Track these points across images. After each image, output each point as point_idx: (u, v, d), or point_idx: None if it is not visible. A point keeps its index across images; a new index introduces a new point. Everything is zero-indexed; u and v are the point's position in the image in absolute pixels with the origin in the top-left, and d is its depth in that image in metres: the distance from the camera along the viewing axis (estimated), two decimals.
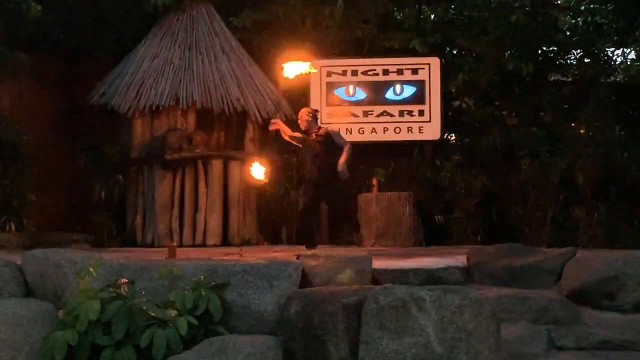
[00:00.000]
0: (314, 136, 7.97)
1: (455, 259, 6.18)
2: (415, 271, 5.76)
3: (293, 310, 4.54)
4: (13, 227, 8.80)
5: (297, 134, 8.18)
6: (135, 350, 4.53)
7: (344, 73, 10.77)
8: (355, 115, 10.68)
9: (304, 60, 8.45)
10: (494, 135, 11.32)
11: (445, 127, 11.06)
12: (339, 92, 10.74)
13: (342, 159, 7.86)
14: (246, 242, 10.15)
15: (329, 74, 10.75)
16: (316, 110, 8.44)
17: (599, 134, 11.31)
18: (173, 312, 4.68)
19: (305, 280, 5.23)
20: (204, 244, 9.88)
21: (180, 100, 10.04)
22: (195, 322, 4.63)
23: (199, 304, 4.71)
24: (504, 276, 5.71)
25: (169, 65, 10.33)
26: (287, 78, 8.41)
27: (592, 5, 13.00)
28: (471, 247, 7.02)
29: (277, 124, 8.23)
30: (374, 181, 10.67)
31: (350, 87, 10.72)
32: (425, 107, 10.64)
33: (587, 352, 4.62)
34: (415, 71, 10.72)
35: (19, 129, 9.37)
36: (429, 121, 10.63)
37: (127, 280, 5.01)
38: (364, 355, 4.14)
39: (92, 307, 4.56)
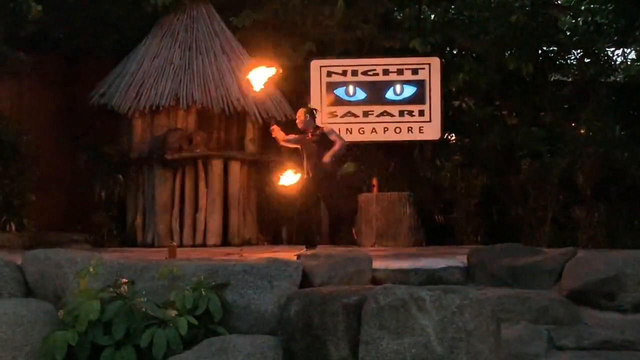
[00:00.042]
0: (310, 136, 7.97)
1: (455, 259, 6.19)
2: (416, 271, 5.77)
3: (293, 310, 4.54)
4: (13, 227, 8.81)
5: (292, 136, 8.17)
6: (136, 350, 4.53)
7: (344, 73, 10.75)
8: (356, 115, 10.67)
9: (268, 65, 8.32)
10: (494, 135, 11.32)
11: (446, 127, 11.04)
12: (339, 92, 10.72)
13: (330, 151, 7.81)
14: (246, 242, 10.16)
15: (329, 74, 10.74)
16: (314, 109, 8.43)
17: (599, 134, 11.31)
18: (173, 312, 4.68)
19: (306, 280, 5.24)
20: (204, 244, 9.88)
21: (181, 100, 10.05)
22: (195, 322, 4.63)
23: (199, 304, 4.72)
24: (504, 276, 5.71)
25: (169, 65, 10.33)
26: (254, 88, 8.38)
27: (592, 5, 13.00)
28: (471, 247, 7.02)
29: (275, 131, 8.23)
30: (374, 181, 10.67)
31: (351, 87, 10.71)
32: (425, 107, 10.63)
33: (588, 352, 4.61)
34: (415, 71, 10.71)
35: (19, 129, 9.38)
36: (429, 121, 10.62)
37: (127, 280, 5.01)
38: (364, 355, 4.14)
39: (93, 307, 4.57)
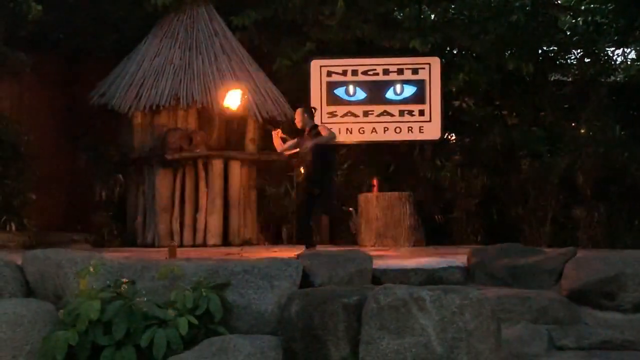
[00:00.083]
0: (306, 134, 7.99)
1: (455, 258, 6.19)
2: (416, 271, 5.77)
3: (293, 310, 4.54)
4: (14, 227, 8.81)
5: (289, 142, 8.19)
6: (136, 350, 4.53)
7: (344, 73, 10.76)
8: (356, 115, 10.67)
9: (235, 88, 8.71)
10: (494, 135, 11.32)
11: (446, 126, 11.05)
12: (340, 92, 10.73)
13: (315, 139, 7.82)
14: (246, 242, 10.16)
15: (329, 74, 10.74)
16: (313, 108, 8.43)
17: (599, 134, 11.30)
18: (173, 312, 4.68)
19: (306, 280, 5.24)
20: (204, 244, 9.88)
21: (181, 100, 10.05)
22: (195, 322, 4.63)
23: (199, 304, 4.72)
24: (505, 276, 5.71)
25: (169, 65, 10.33)
26: (229, 108, 8.72)
27: (592, 5, 12.99)
28: (471, 247, 7.02)
29: (275, 137, 8.26)
30: (374, 181, 10.68)
31: (351, 87, 10.71)
32: (425, 107, 10.63)
33: (588, 352, 4.62)
34: (415, 71, 10.71)
35: (20, 129, 9.38)
36: (430, 121, 10.63)
37: (127, 280, 5.01)
38: (365, 355, 4.14)
39: (93, 307, 4.57)
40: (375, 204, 9.92)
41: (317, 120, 8.64)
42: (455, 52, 12.38)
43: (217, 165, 10.12)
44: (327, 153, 7.97)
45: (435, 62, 10.73)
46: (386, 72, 10.74)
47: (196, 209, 10.07)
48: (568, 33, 12.79)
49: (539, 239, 10.32)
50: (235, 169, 10.27)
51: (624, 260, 5.31)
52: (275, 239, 10.86)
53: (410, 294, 4.15)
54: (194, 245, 9.77)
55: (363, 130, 10.66)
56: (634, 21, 12.17)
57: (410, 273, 5.74)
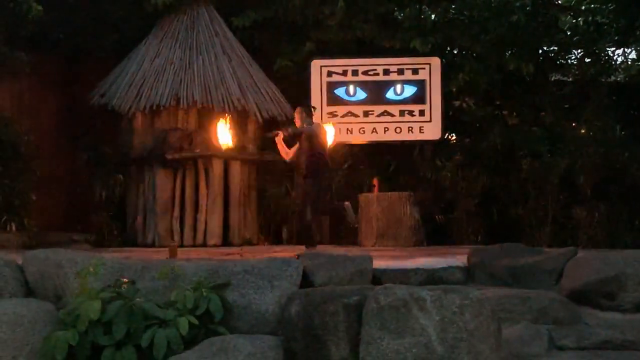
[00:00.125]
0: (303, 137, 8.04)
1: (455, 258, 6.19)
2: (416, 271, 5.77)
3: (294, 310, 4.54)
4: (14, 227, 8.81)
5: (293, 149, 8.27)
6: (136, 350, 4.53)
7: (345, 73, 10.76)
8: (356, 115, 10.68)
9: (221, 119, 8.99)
10: (495, 135, 11.31)
11: (446, 127, 11.05)
12: (340, 92, 10.73)
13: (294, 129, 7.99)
14: (247, 242, 10.16)
15: (329, 74, 10.75)
16: (310, 107, 8.44)
17: (600, 134, 11.30)
18: (174, 312, 4.68)
19: (306, 280, 5.23)
20: (204, 244, 9.88)
21: (181, 100, 10.05)
22: (196, 322, 4.63)
23: (199, 304, 4.71)
24: (505, 276, 5.71)
25: (170, 65, 10.34)
26: (227, 145, 8.93)
27: (592, 5, 12.98)
28: (472, 247, 7.02)
29: (278, 143, 8.30)
30: (375, 181, 10.68)
31: (351, 87, 10.72)
32: (425, 107, 10.64)
33: (588, 352, 4.61)
34: (415, 71, 10.72)
35: (20, 129, 9.38)
36: (430, 121, 10.63)
37: (127, 280, 5.01)
38: (365, 355, 4.14)
39: (93, 307, 4.56)
40: (375, 204, 9.92)
41: (317, 120, 8.66)
42: (455, 52, 12.38)
43: (218, 165, 10.13)
44: (319, 152, 8.03)
45: (436, 62, 10.74)
46: (386, 72, 10.75)
47: (196, 209, 10.07)
48: (568, 33, 12.78)
49: (539, 239, 10.32)
50: (236, 169, 10.27)
51: (624, 260, 5.31)
52: (276, 239, 10.86)
53: (411, 294, 4.14)
54: (194, 245, 9.77)
55: (363, 130, 10.66)
56: (634, 21, 12.16)
57: (410, 273, 5.73)
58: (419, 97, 10.66)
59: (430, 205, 11.07)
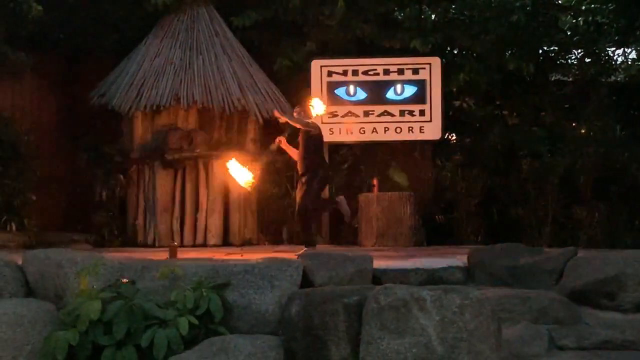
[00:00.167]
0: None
1: (456, 258, 6.19)
2: (416, 271, 5.77)
3: (294, 310, 4.54)
4: (14, 227, 8.81)
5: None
6: (136, 350, 4.53)
7: (345, 73, 10.77)
8: (356, 115, 10.68)
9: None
10: (495, 135, 11.32)
11: (446, 126, 11.05)
12: (340, 92, 10.73)
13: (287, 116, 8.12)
14: (247, 242, 10.16)
15: (329, 74, 10.75)
16: (310, 106, 8.45)
17: (600, 134, 11.31)
18: (174, 312, 4.68)
19: (306, 280, 5.24)
20: (204, 244, 9.88)
21: (181, 100, 10.05)
22: (196, 322, 4.63)
23: (200, 304, 4.72)
24: (505, 276, 5.71)
25: (170, 65, 10.33)
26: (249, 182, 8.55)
27: (592, 5, 12.98)
28: (472, 247, 7.02)
29: (287, 149, 8.34)
30: (375, 181, 10.68)
31: (351, 87, 10.72)
32: (426, 107, 10.64)
33: (588, 352, 4.62)
34: (416, 71, 10.72)
35: (20, 129, 9.38)
36: (430, 121, 10.63)
37: (128, 280, 5.01)
38: (365, 355, 4.14)
39: (93, 307, 4.57)
40: (375, 204, 9.92)
41: (317, 120, 8.66)
42: (455, 52, 12.38)
43: (218, 165, 10.12)
44: (318, 149, 8.10)
45: (436, 62, 10.74)
46: (387, 72, 10.75)
47: (196, 209, 10.07)
48: (568, 33, 12.79)
49: (539, 238, 10.32)
50: None
51: (624, 260, 5.31)
52: (276, 239, 10.86)
53: (411, 294, 4.15)
54: (194, 246, 9.77)
55: (363, 130, 10.67)
56: (634, 21, 12.16)
57: (410, 273, 5.74)
58: (419, 97, 10.66)
59: (430, 205, 11.07)
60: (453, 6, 12.46)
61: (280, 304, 4.82)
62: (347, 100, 10.71)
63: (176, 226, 10.00)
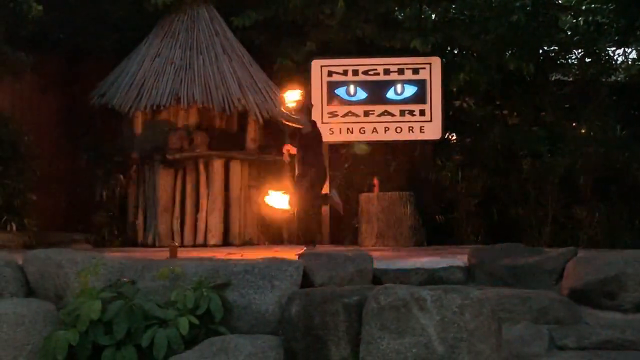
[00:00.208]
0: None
1: (456, 258, 6.19)
2: (416, 271, 5.77)
3: (294, 310, 4.54)
4: (14, 227, 8.80)
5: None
6: (137, 350, 4.54)
7: (345, 73, 10.77)
8: (356, 115, 10.68)
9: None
10: (495, 135, 11.31)
11: (446, 126, 11.06)
12: (340, 92, 10.74)
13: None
14: (247, 242, 10.16)
15: (330, 74, 10.76)
16: (309, 105, 8.51)
17: (600, 134, 11.30)
18: (174, 312, 4.68)
19: (306, 280, 5.24)
20: (205, 244, 9.88)
21: (181, 99, 10.04)
22: (196, 321, 4.64)
23: (200, 304, 4.72)
24: (505, 276, 5.71)
25: (170, 65, 10.33)
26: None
27: (593, 5, 12.98)
28: (472, 247, 7.01)
29: (292, 151, 8.42)
30: (375, 181, 10.67)
31: (351, 87, 10.73)
32: (426, 107, 10.64)
33: (589, 352, 4.62)
34: (416, 71, 10.72)
35: (20, 129, 9.37)
36: (430, 121, 10.64)
37: (128, 280, 5.02)
38: (365, 355, 4.14)
39: (94, 306, 4.57)
40: (376, 204, 9.92)
41: (317, 120, 8.69)
42: (455, 52, 12.38)
43: (218, 165, 10.12)
44: (316, 148, 8.22)
45: (436, 62, 10.74)
46: (387, 72, 10.76)
47: (197, 208, 10.07)
48: (569, 33, 12.78)
49: (539, 238, 10.32)
50: (236, 168, 10.27)
51: (624, 260, 5.32)
52: (276, 239, 10.85)
53: (411, 294, 4.15)
54: (194, 245, 9.77)
55: (364, 130, 10.67)
56: (634, 21, 12.16)
57: (410, 273, 5.74)
58: (419, 97, 10.66)
59: (430, 205, 11.07)
60: (453, 6, 12.46)
61: (281, 304, 4.83)
62: (348, 100, 10.71)
63: (176, 226, 10.00)
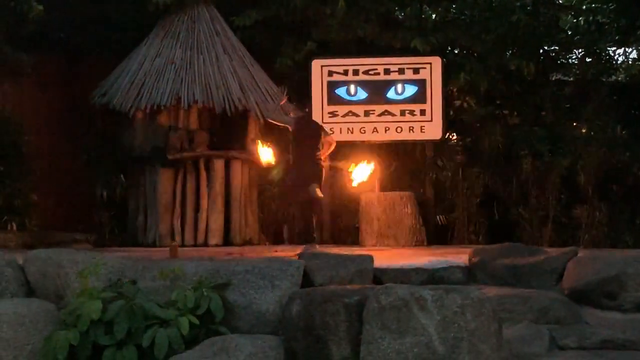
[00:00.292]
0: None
1: (456, 258, 6.19)
2: (417, 271, 5.77)
3: (294, 309, 4.54)
4: (15, 227, 8.80)
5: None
6: (137, 350, 4.54)
7: (346, 72, 10.76)
8: (357, 115, 10.67)
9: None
10: (496, 135, 11.31)
11: (447, 126, 11.05)
12: (341, 92, 10.72)
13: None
14: (248, 242, 10.15)
15: (330, 74, 10.74)
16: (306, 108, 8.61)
17: (601, 134, 11.31)
18: (175, 312, 4.68)
19: (307, 279, 5.24)
20: (205, 244, 9.88)
21: (182, 99, 10.04)
22: (196, 321, 4.64)
23: (200, 304, 4.72)
24: (506, 276, 5.71)
25: (171, 65, 10.32)
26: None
27: (593, 5, 12.98)
28: (473, 247, 7.02)
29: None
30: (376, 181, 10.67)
31: (352, 87, 10.71)
32: (426, 107, 10.62)
33: (589, 352, 4.62)
34: (416, 70, 10.70)
35: (20, 129, 9.38)
36: (431, 120, 10.62)
37: (128, 280, 5.02)
38: (366, 355, 4.14)
39: (94, 306, 4.57)
40: (376, 204, 9.91)
41: (317, 120, 8.72)
42: (456, 51, 12.39)
43: (219, 165, 10.12)
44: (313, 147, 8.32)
45: (437, 62, 10.72)
46: (387, 71, 10.74)
47: (197, 208, 10.06)
48: (569, 33, 12.79)
49: (540, 238, 10.32)
50: (237, 168, 10.26)
51: (625, 260, 5.31)
52: (277, 239, 10.86)
53: (412, 294, 4.14)
54: (195, 245, 9.76)
55: (364, 130, 10.66)
56: (635, 21, 12.16)
57: (411, 273, 5.74)
58: (419, 97, 10.64)
59: (431, 205, 11.07)
60: (454, 6, 12.47)
61: (281, 304, 4.83)
62: (348, 100, 10.70)
63: (177, 226, 9.99)
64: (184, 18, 10.71)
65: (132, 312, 4.60)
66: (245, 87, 10.31)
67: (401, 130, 10.62)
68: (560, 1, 13.00)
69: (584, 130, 11.71)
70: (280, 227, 10.99)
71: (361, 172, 9.40)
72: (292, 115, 9.12)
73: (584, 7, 12.99)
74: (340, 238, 10.60)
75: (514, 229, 10.53)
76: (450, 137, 12.28)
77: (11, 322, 4.62)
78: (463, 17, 12.45)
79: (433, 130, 10.65)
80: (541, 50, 12.24)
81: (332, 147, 8.92)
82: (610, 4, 12.58)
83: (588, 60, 12.52)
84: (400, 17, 12.48)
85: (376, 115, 10.63)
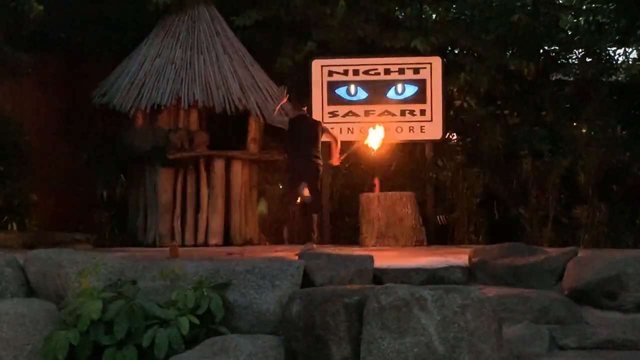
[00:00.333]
0: None
1: (457, 258, 6.19)
2: (417, 271, 5.77)
3: (295, 309, 4.54)
4: (15, 227, 8.81)
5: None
6: (137, 350, 4.54)
7: (346, 72, 10.76)
8: (357, 115, 10.67)
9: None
10: (496, 135, 11.31)
11: (447, 126, 11.05)
12: (341, 92, 10.73)
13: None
14: (248, 242, 10.15)
15: (330, 74, 10.74)
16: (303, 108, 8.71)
17: (601, 134, 11.30)
18: (175, 312, 4.68)
19: (307, 279, 5.24)
20: (205, 244, 9.88)
21: (182, 99, 10.04)
22: (197, 321, 4.64)
23: (200, 304, 4.72)
24: (506, 276, 5.71)
25: (171, 65, 10.33)
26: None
27: (593, 5, 12.98)
28: (473, 247, 7.02)
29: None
30: (376, 181, 10.66)
31: (352, 87, 10.72)
32: (426, 107, 10.63)
33: (589, 352, 4.62)
34: (416, 70, 10.71)
35: (20, 128, 9.38)
36: (431, 120, 10.62)
37: (128, 280, 5.02)
38: (366, 355, 4.14)
39: (94, 306, 4.57)
40: (376, 204, 9.91)
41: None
42: (456, 51, 12.38)
43: (219, 165, 10.12)
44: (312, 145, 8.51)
45: (437, 62, 10.73)
46: (387, 71, 10.74)
47: (197, 208, 10.06)
48: (569, 33, 12.78)
49: (540, 238, 10.31)
50: (237, 168, 10.27)
51: (625, 260, 5.31)
52: (277, 239, 10.86)
53: (412, 294, 4.14)
54: (195, 245, 9.76)
55: (364, 130, 10.66)
56: (635, 21, 12.16)
57: (411, 273, 5.74)
58: (420, 97, 10.65)
59: (431, 205, 11.06)
60: (454, 6, 12.47)
61: (281, 304, 4.83)
62: (348, 100, 10.71)
63: (177, 226, 9.99)
64: (184, 18, 10.71)
65: (132, 312, 4.61)
66: (246, 87, 10.32)
67: (401, 130, 10.62)
68: (560, 1, 13.00)
69: (584, 130, 11.70)
70: (281, 227, 10.98)
71: (376, 137, 9.78)
72: (290, 115, 9.15)
73: (584, 7, 12.99)
74: (340, 238, 10.60)
75: (514, 229, 10.52)
76: (451, 137, 12.28)
77: (11, 322, 4.62)
78: (463, 17, 12.45)
79: (433, 130, 10.65)
80: (541, 50, 12.24)
81: (339, 146, 8.93)
82: (610, 4, 12.57)
83: (588, 60, 12.51)
84: (400, 17, 12.47)
85: (376, 115, 10.63)
